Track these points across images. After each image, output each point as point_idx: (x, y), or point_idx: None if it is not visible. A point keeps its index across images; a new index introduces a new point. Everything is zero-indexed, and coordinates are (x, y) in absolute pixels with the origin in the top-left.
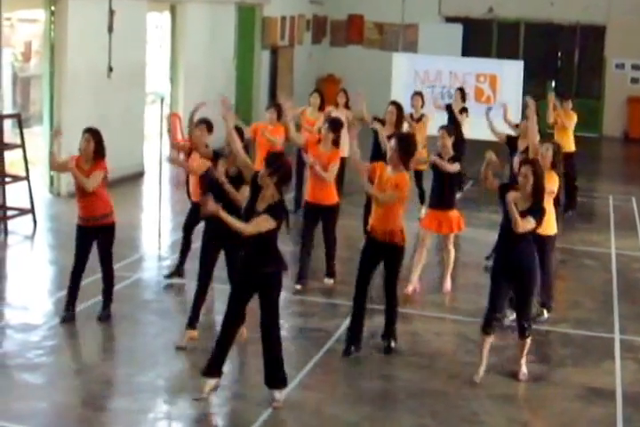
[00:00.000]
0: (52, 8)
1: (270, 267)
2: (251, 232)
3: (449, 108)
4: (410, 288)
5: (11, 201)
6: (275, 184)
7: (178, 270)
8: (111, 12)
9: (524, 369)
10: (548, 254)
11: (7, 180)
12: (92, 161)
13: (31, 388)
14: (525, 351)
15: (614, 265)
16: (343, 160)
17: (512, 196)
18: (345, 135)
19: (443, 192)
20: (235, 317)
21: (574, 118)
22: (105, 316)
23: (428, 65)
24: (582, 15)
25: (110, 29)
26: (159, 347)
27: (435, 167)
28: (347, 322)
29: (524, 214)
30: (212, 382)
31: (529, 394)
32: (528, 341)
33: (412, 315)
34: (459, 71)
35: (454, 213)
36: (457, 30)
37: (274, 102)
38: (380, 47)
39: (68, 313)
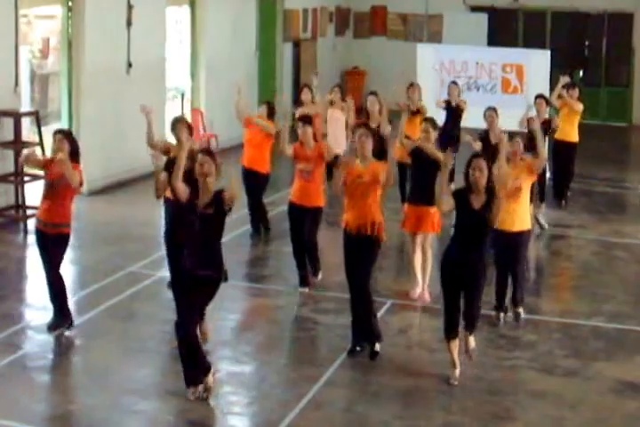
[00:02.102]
0: (70, 4)
1: (206, 271)
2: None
3: (448, 104)
4: (416, 291)
5: (29, 200)
6: (216, 166)
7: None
8: (130, 7)
9: (472, 344)
10: (521, 252)
11: (25, 178)
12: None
13: (53, 390)
14: (471, 338)
15: None
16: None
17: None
18: (342, 132)
19: (424, 185)
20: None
21: (580, 108)
22: (53, 326)
23: (453, 55)
24: (609, 3)
25: (129, 24)
26: None
27: (415, 157)
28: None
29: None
30: (195, 389)
31: (562, 389)
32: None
33: (439, 310)
34: (485, 61)
35: (436, 211)
36: (482, 20)
37: (265, 100)
38: (404, 38)
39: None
